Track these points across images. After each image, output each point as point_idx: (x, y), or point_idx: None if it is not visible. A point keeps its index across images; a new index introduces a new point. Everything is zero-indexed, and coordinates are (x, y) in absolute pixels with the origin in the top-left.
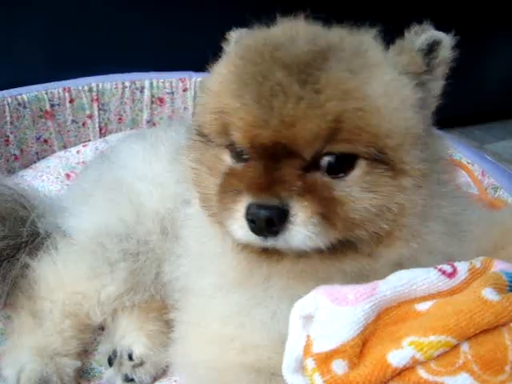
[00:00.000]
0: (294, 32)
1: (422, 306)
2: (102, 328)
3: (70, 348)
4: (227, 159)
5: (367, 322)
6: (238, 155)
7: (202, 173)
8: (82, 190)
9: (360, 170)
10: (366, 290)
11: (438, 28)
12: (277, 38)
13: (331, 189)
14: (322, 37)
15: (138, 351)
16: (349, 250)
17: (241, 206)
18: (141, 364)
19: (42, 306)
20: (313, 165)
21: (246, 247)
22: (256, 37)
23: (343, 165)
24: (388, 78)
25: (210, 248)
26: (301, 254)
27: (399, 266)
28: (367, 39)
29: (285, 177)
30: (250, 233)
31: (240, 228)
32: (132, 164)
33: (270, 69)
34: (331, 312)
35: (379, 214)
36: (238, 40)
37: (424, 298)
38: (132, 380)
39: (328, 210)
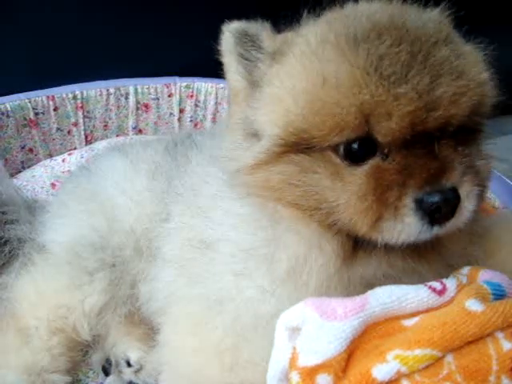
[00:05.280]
0: (395, 10)
1: (409, 322)
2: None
3: (59, 365)
4: (338, 161)
5: (354, 337)
6: (349, 153)
7: (316, 183)
8: (58, 202)
9: (463, 140)
10: (356, 306)
11: None
12: (393, 16)
13: (475, 160)
14: (421, 14)
15: (135, 356)
16: (434, 245)
17: (408, 201)
18: (141, 368)
19: (27, 323)
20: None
21: (352, 253)
22: (364, 16)
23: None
24: None
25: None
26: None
27: (450, 266)
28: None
29: (450, 157)
30: (419, 226)
31: (407, 225)
32: (112, 177)
33: (430, 45)
34: (319, 326)
35: (488, 183)
36: (328, 21)
37: (412, 315)
38: None
39: (481, 182)
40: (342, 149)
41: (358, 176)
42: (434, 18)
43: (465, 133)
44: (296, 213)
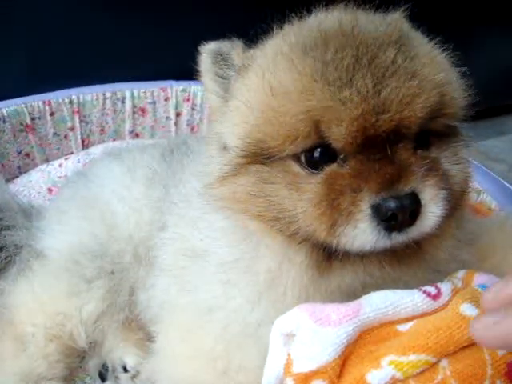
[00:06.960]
0: (346, 17)
1: (404, 327)
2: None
3: (55, 372)
4: (297, 170)
5: (349, 342)
6: (310, 161)
7: (274, 193)
8: (57, 209)
9: (435, 144)
10: (350, 312)
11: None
12: (342, 23)
13: (440, 163)
14: (376, 18)
15: (131, 362)
16: (414, 251)
17: (364, 207)
18: (138, 373)
19: (24, 330)
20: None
21: (317, 261)
22: (315, 25)
23: (428, 140)
24: None
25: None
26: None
27: (437, 272)
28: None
29: (407, 161)
30: (375, 233)
31: (361, 231)
32: (110, 184)
33: (375, 48)
34: (313, 332)
35: (465, 188)
36: (284, 33)
37: (407, 320)
38: None
39: (447, 185)
40: (303, 157)
41: (314, 184)
42: (388, 22)
43: (433, 136)
44: (262, 226)
